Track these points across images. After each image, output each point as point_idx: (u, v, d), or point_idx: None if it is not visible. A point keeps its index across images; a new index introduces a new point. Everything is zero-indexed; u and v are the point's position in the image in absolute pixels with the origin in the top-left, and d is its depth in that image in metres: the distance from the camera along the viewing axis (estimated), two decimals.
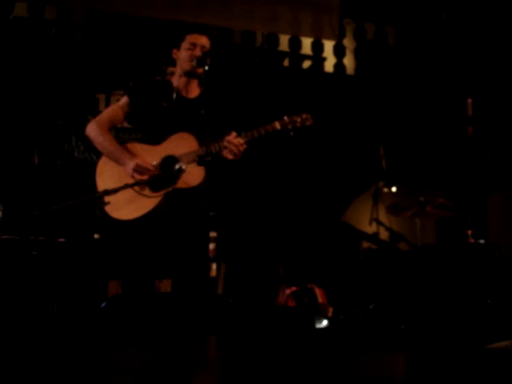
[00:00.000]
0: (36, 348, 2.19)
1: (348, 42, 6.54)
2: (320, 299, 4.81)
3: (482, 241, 4.74)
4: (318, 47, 6.32)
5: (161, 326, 2.66)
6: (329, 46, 6.35)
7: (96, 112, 5.43)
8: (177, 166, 3.16)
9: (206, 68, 3.20)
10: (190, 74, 3.41)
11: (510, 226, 5.37)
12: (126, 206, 3.26)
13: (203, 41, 3.39)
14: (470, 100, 4.95)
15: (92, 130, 3.41)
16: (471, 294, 4.38)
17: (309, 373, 1.64)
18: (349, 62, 6.51)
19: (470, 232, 4.67)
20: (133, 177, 3.25)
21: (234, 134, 3.27)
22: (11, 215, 4.18)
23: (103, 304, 2.73)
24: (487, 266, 4.54)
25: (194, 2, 5.83)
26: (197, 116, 3.21)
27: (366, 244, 5.35)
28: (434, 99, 6.31)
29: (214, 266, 2.87)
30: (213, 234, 2.89)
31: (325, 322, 4.13)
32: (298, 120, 3.31)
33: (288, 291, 4.91)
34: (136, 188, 3.26)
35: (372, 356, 2.15)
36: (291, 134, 3.30)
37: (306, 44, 6.32)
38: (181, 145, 3.28)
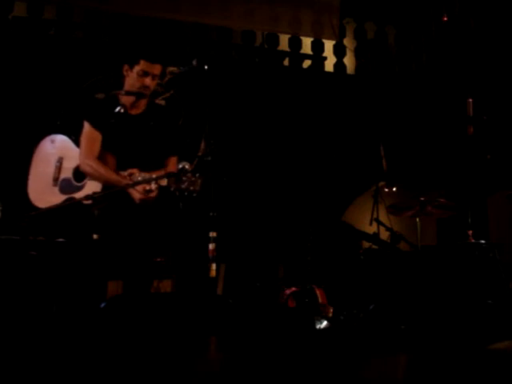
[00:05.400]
0: (36, 348, 2.19)
1: (348, 42, 6.54)
2: (320, 299, 4.79)
3: (482, 241, 4.73)
4: (318, 47, 6.31)
5: (161, 325, 2.65)
6: (329, 45, 6.35)
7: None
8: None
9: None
10: (132, 94, 3.37)
11: (510, 226, 5.37)
12: None
13: (155, 70, 3.35)
14: (470, 100, 4.94)
15: (87, 166, 3.37)
16: (472, 294, 4.37)
17: (309, 373, 1.63)
18: (349, 61, 6.50)
19: (470, 232, 4.67)
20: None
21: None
22: (11, 215, 4.17)
23: (103, 304, 2.72)
24: (487, 266, 4.53)
25: (194, 2, 5.83)
26: (139, 133, 3.23)
27: (366, 244, 5.33)
28: (434, 99, 6.31)
29: (214, 266, 2.87)
30: (213, 234, 2.89)
31: (325, 323, 4.12)
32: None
33: (288, 291, 4.89)
34: None
35: (372, 356, 2.15)
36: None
37: (306, 43, 6.31)
38: None
